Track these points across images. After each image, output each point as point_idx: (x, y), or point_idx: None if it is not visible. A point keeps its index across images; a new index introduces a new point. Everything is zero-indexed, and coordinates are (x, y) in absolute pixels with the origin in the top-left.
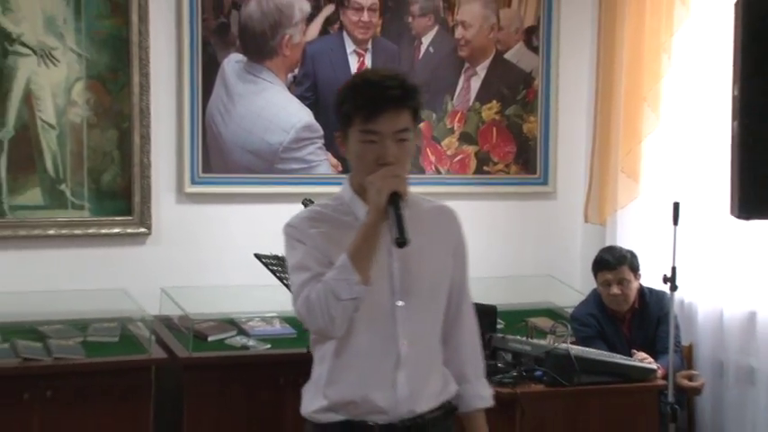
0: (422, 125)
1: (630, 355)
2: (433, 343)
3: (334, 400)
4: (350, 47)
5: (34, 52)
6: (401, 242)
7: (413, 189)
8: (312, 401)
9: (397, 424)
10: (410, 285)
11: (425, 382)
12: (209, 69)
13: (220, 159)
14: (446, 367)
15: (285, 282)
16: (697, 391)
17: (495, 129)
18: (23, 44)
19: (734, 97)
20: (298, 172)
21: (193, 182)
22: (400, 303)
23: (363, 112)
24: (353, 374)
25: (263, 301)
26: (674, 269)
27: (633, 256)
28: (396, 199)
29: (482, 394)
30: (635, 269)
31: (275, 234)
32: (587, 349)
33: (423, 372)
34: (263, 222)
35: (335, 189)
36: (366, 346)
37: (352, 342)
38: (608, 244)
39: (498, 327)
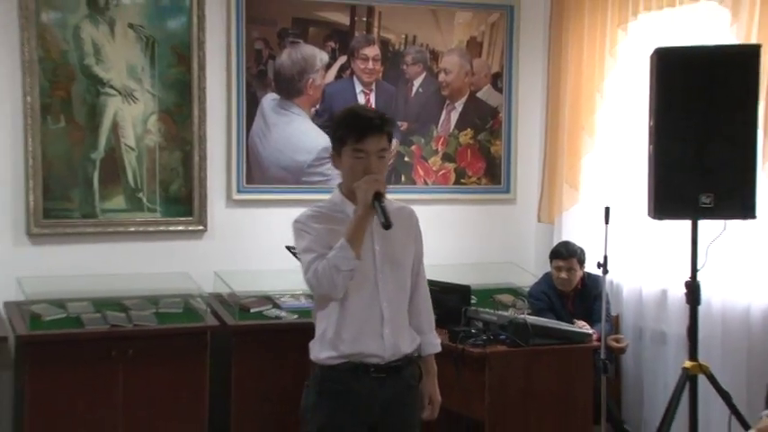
0: (413, 147)
1: (573, 323)
2: (404, 306)
3: (341, 351)
4: (358, 88)
5: (119, 93)
6: (387, 225)
7: (405, 197)
8: (321, 351)
9: (384, 365)
10: (386, 263)
11: (402, 336)
12: (251, 105)
13: (260, 173)
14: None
15: None
16: (622, 350)
17: (469, 150)
18: (112, 87)
19: (650, 127)
20: (318, 183)
21: (239, 191)
22: (381, 275)
23: (354, 135)
24: (352, 331)
25: (292, 282)
26: (605, 258)
27: (582, 252)
28: (378, 196)
29: (434, 342)
30: (581, 262)
31: None
32: (540, 318)
33: (399, 328)
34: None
35: None
36: (358, 309)
37: (347, 306)
38: (555, 239)
39: (472, 302)
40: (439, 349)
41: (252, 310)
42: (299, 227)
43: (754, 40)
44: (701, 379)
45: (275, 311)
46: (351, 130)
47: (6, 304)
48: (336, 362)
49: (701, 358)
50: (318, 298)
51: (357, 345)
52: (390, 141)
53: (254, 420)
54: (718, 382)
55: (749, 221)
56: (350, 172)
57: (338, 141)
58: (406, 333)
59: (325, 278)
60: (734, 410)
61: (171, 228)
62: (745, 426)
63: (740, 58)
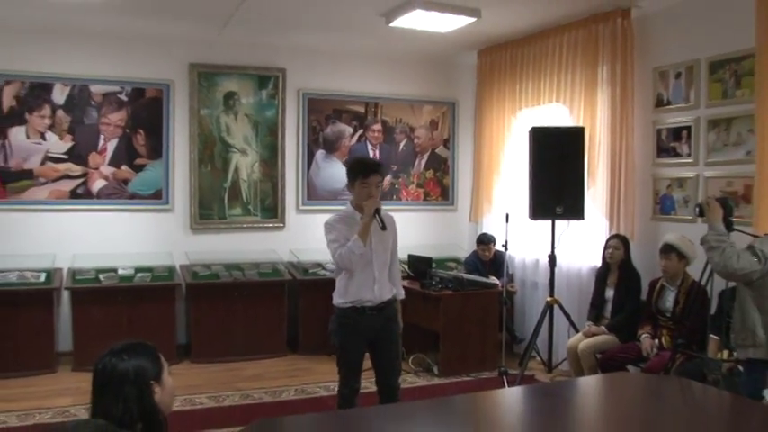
0: (400, 180)
1: (488, 278)
2: (387, 272)
3: (348, 298)
4: (369, 147)
5: (239, 151)
6: (383, 228)
7: (397, 208)
8: (338, 299)
9: (374, 306)
10: (378, 248)
11: (384, 289)
12: (310, 156)
13: (314, 194)
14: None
15: None
16: (515, 292)
17: (432, 181)
18: (234, 148)
19: (529, 170)
20: (346, 200)
21: (303, 204)
22: (374, 255)
23: (362, 173)
24: (356, 287)
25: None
26: (506, 242)
27: (494, 238)
28: (378, 210)
29: (401, 293)
30: (494, 244)
31: None
32: (470, 275)
33: (383, 285)
34: None
35: None
36: (361, 274)
37: (355, 273)
38: (479, 231)
39: (432, 266)
40: (403, 296)
41: (310, 271)
42: (330, 226)
43: (580, 124)
44: (555, 307)
45: (323, 272)
46: (361, 170)
47: (181, 266)
48: (346, 305)
49: (556, 295)
50: (338, 269)
51: (358, 294)
52: (384, 178)
53: (311, 333)
54: (564, 308)
55: (581, 221)
56: (358, 195)
57: (352, 176)
58: (387, 287)
59: (345, 258)
60: (572, 323)
61: (265, 225)
62: (577, 330)
63: (574, 133)
